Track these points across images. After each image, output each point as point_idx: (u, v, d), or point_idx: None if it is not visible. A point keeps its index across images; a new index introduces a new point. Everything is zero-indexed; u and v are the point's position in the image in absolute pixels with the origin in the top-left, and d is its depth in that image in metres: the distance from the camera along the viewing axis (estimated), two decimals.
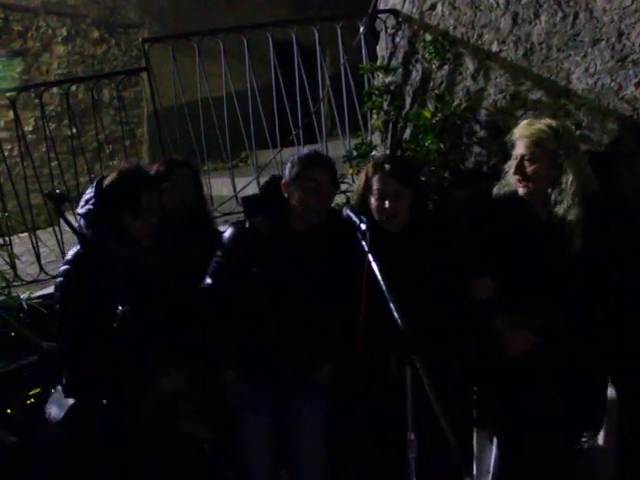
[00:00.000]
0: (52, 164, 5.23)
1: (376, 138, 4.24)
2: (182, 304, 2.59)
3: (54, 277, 3.98)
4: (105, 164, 6.38)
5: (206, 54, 4.24)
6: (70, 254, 2.49)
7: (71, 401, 2.44)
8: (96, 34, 7.30)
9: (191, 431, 2.47)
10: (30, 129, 6.97)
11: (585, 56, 3.24)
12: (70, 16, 7.07)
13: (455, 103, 3.73)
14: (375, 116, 4.06)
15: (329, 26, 4.28)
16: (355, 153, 4.05)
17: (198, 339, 2.59)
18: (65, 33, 7.14)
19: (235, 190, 4.26)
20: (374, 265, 2.11)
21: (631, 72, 3.08)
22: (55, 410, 2.49)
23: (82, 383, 2.43)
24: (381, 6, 4.22)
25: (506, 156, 3.55)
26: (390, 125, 4.11)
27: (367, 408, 2.48)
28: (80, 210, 2.49)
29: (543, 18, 3.39)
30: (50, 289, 3.95)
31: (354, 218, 2.31)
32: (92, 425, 2.40)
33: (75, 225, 2.41)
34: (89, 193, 2.47)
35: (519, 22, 3.49)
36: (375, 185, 2.59)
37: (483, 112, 3.66)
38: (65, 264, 2.46)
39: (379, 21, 4.21)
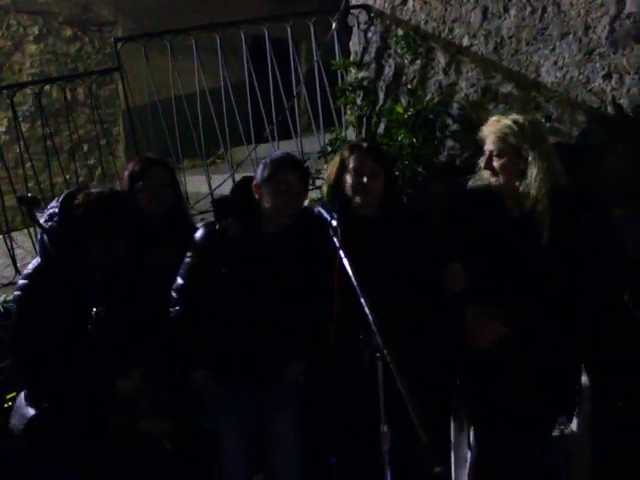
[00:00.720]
0: (26, 165, 5.22)
1: (350, 133, 4.25)
2: (153, 304, 2.59)
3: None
4: (81, 164, 6.37)
5: (179, 50, 4.20)
6: (30, 267, 2.43)
7: (31, 411, 2.42)
8: (69, 32, 7.22)
9: (150, 429, 2.47)
10: (3, 129, 6.89)
11: (554, 49, 3.27)
12: (41, 14, 6.98)
13: (427, 97, 3.77)
14: (349, 111, 4.07)
15: (303, 22, 4.28)
16: (329, 148, 4.06)
17: (166, 339, 2.59)
18: (37, 32, 7.05)
19: (210, 188, 4.25)
20: (345, 261, 2.12)
21: (598, 65, 3.12)
22: (17, 419, 2.47)
23: (41, 394, 2.42)
24: (353, 2, 4.23)
25: (479, 149, 3.62)
26: (364, 120, 4.13)
27: (341, 402, 2.50)
28: (43, 223, 2.41)
29: (512, 12, 3.42)
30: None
31: (325, 214, 2.32)
32: (53, 434, 2.39)
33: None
34: (53, 207, 2.39)
35: (489, 16, 3.52)
36: (352, 164, 2.62)
37: (455, 106, 3.70)
38: (24, 278, 2.41)
39: (351, 17, 4.22)
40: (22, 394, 2.49)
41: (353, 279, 2.06)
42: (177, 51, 4.13)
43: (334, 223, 2.25)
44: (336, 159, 2.72)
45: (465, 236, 2.65)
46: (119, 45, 3.94)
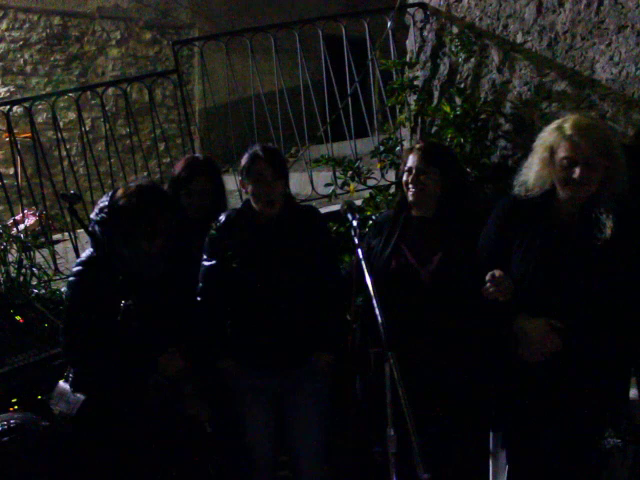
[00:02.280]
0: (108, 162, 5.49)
1: (404, 134, 4.22)
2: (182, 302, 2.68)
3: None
4: (158, 162, 6.64)
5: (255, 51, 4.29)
6: (83, 255, 2.60)
7: (80, 397, 2.54)
8: (148, 36, 7.53)
9: (193, 412, 2.56)
10: (87, 129, 7.25)
11: (609, 44, 3.13)
12: (123, 20, 7.32)
13: (482, 96, 3.68)
14: (400, 111, 4.04)
15: (375, 20, 4.28)
16: (382, 148, 4.05)
17: (196, 331, 2.68)
18: (119, 36, 7.41)
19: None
20: (363, 262, 2.13)
21: None
22: (64, 406, 2.60)
23: (90, 378, 2.55)
24: (409, 0, 4.19)
25: (529, 150, 3.51)
26: (419, 120, 4.09)
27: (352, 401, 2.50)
28: (94, 217, 2.57)
29: (567, 6, 3.29)
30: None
31: (347, 214, 2.34)
32: (104, 418, 2.51)
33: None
34: (103, 201, 2.55)
35: (543, 11, 3.40)
36: (407, 162, 2.69)
37: (508, 105, 3.59)
38: (77, 265, 2.57)
39: (408, 15, 4.18)
40: (60, 382, 2.64)
41: (368, 280, 2.06)
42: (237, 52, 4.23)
43: (355, 223, 2.26)
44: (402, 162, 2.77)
45: (514, 245, 2.55)
46: (176, 48, 4.05)
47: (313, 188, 4.32)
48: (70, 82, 7.17)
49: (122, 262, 2.49)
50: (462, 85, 3.83)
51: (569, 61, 3.29)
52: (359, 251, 2.17)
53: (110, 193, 2.59)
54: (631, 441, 2.86)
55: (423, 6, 4.07)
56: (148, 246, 2.50)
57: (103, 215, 2.54)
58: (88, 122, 7.24)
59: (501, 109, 3.61)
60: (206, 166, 3.09)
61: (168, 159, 7.76)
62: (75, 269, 2.59)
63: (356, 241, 2.21)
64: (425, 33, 4.10)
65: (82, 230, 2.68)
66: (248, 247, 2.59)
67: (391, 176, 4.17)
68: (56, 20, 7.13)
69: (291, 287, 2.55)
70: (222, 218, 2.69)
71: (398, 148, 3.95)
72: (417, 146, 2.76)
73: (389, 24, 4.15)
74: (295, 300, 2.55)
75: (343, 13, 4.63)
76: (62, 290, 3.92)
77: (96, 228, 2.55)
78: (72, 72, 7.22)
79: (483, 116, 3.63)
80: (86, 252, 2.63)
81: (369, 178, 4.02)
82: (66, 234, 4.74)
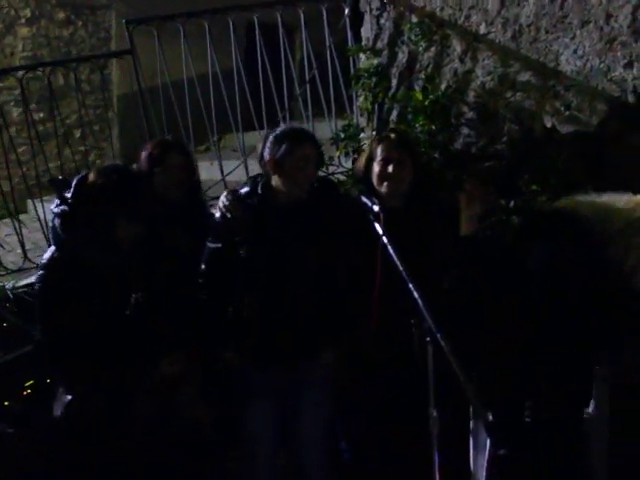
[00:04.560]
0: (19, 150, 5.12)
1: (362, 120, 4.24)
2: (182, 290, 2.58)
3: (38, 266, 3.96)
4: (75, 149, 6.27)
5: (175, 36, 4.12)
6: (45, 257, 2.41)
7: (69, 397, 2.41)
8: (62, 15, 7.07)
9: (193, 415, 2.48)
10: None
11: (574, 38, 3.29)
12: None
13: (443, 85, 3.76)
14: (362, 98, 4.06)
15: (308, 7, 4.24)
16: (342, 135, 4.05)
17: (198, 322, 2.59)
18: (29, 14, 6.90)
19: (222, 173, 4.21)
20: (390, 248, 2.13)
21: (619, 54, 3.14)
22: (58, 408, 2.47)
23: (75, 382, 2.41)
24: None
25: (493, 138, 3.65)
26: (376, 107, 4.12)
27: (384, 384, 2.49)
28: (55, 209, 2.40)
29: (531, 0, 3.42)
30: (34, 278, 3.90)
31: (365, 200, 2.32)
32: (90, 420, 2.38)
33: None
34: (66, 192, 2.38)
35: (507, 4, 3.52)
36: (379, 153, 2.65)
37: (471, 94, 3.70)
38: (41, 269, 2.39)
39: (363, 2, 4.19)
40: None
41: (399, 265, 2.07)
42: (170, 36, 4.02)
43: (376, 208, 2.25)
44: (367, 150, 2.73)
45: None
46: (131, 28, 3.85)
47: None
48: None
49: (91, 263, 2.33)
50: (422, 74, 3.90)
51: (533, 53, 3.44)
52: (384, 239, 2.16)
53: (74, 182, 2.40)
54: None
55: None
56: (128, 229, 2.36)
57: (64, 207, 2.36)
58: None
59: (464, 97, 3.71)
60: (176, 142, 3.10)
61: (84, 147, 7.42)
62: (39, 274, 2.39)
63: (379, 229, 2.20)
64: (382, 21, 4.13)
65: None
66: (264, 231, 2.51)
67: (348, 163, 4.19)
68: None
69: (306, 274, 2.50)
70: (228, 199, 2.58)
71: (362, 135, 3.97)
72: (391, 136, 2.77)
73: (346, 11, 4.14)
74: (308, 289, 2.51)
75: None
76: (9, 286, 3.66)
77: (56, 222, 2.37)
78: None
79: (447, 104, 3.71)
80: (48, 252, 2.43)
81: (331, 165, 4.02)
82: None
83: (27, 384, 3.08)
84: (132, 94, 5.40)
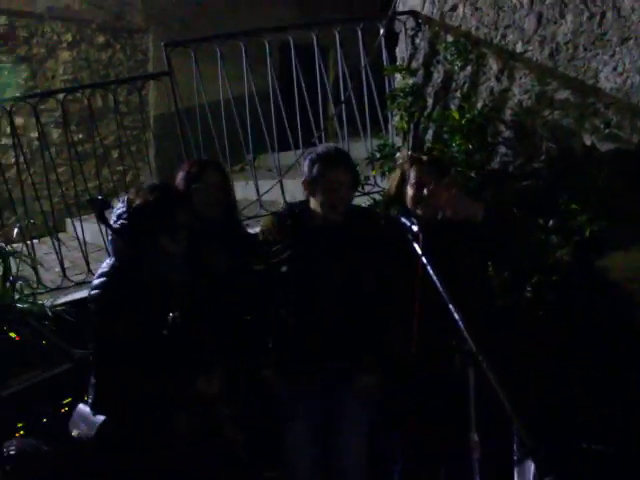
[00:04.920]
0: (59, 170, 5.23)
1: (397, 140, 4.24)
2: (221, 308, 2.60)
3: (77, 284, 4.03)
4: (112, 169, 6.39)
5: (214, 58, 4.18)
6: (105, 266, 2.46)
7: (100, 418, 2.41)
8: (101, 39, 7.24)
9: (228, 436, 2.46)
10: (36, 135, 6.90)
11: (613, 55, 3.25)
12: (75, 21, 7.02)
13: (480, 104, 3.74)
14: (398, 117, 4.06)
15: (343, 28, 4.26)
16: (378, 155, 4.05)
17: (237, 341, 2.59)
18: (70, 38, 7.08)
19: (258, 193, 4.24)
20: (429, 268, 2.10)
21: None
22: (84, 427, 2.46)
23: (113, 399, 2.41)
24: (400, 7, 4.23)
25: (531, 157, 3.61)
26: (412, 126, 4.12)
27: (425, 407, 2.46)
28: (114, 224, 2.45)
29: (569, 18, 3.40)
30: (73, 296, 3.96)
31: (404, 220, 2.30)
32: (124, 442, 2.38)
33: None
34: (120, 208, 2.46)
35: (544, 22, 3.50)
36: (412, 176, 2.62)
37: (508, 112, 3.67)
38: (100, 276, 2.43)
39: (398, 23, 4.21)
40: (80, 405, 2.48)
41: (439, 285, 2.04)
42: (211, 59, 4.08)
43: (415, 228, 2.23)
44: (397, 172, 2.73)
45: None
46: (169, 50, 3.92)
47: None
48: (18, 86, 6.79)
49: (147, 268, 2.38)
50: (458, 93, 3.89)
51: (572, 70, 3.40)
52: (424, 260, 2.14)
53: (124, 199, 2.49)
54: None
55: (414, 14, 4.11)
56: (171, 244, 2.41)
57: (122, 221, 2.44)
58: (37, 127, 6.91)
59: (501, 116, 3.69)
60: (213, 161, 3.19)
61: (121, 167, 7.55)
62: (98, 281, 2.45)
63: (418, 250, 2.18)
64: (417, 41, 4.14)
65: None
66: (304, 251, 2.52)
67: (384, 182, 4.18)
68: (2, 20, 6.76)
69: (345, 296, 2.50)
70: (269, 221, 2.61)
71: (398, 154, 3.97)
72: (424, 159, 2.76)
73: (381, 31, 4.16)
74: (348, 311, 2.50)
75: (332, 19, 4.51)
76: (48, 304, 3.71)
77: (115, 237, 2.44)
78: (20, 75, 6.85)
79: (484, 122, 3.69)
80: (106, 262, 2.50)
81: (367, 184, 4.02)
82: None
83: (65, 402, 3.10)
84: (169, 115, 5.51)
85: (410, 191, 2.64)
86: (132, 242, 2.38)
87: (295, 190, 4.50)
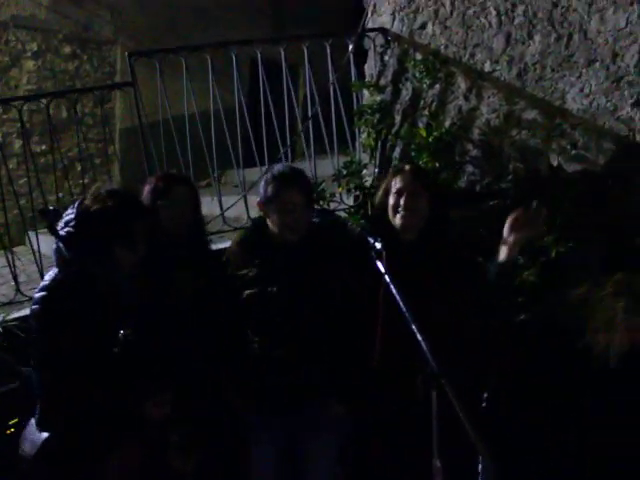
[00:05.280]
0: (20, 182, 5.08)
1: (364, 157, 4.20)
2: (177, 328, 2.49)
3: (31, 299, 3.87)
4: (75, 182, 6.24)
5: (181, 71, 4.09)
6: (47, 279, 2.32)
7: (45, 435, 2.29)
8: (67, 50, 7.11)
9: (178, 464, 2.35)
10: None
11: (580, 77, 3.26)
12: (41, 31, 6.88)
13: (448, 122, 3.72)
14: (366, 134, 4.01)
15: (311, 44, 4.21)
16: (344, 172, 4.00)
17: (195, 364, 2.49)
18: (35, 48, 6.95)
19: (222, 208, 4.15)
20: (392, 287, 2.03)
21: (626, 93, 3.10)
22: (28, 446, 2.34)
23: (59, 415, 2.29)
24: (369, 24, 4.20)
25: (499, 176, 3.59)
26: (379, 144, 4.08)
27: (389, 433, 2.38)
28: (60, 231, 2.31)
29: (537, 39, 3.40)
30: (27, 311, 3.80)
31: (368, 237, 2.23)
32: (66, 460, 2.26)
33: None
34: (69, 214, 2.32)
35: (512, 42, 3.50)
36: (394, 185, 2.56)
37: (476, 131, 3.65)
38: (42, 290, 2.29)
39: (367, 40, 4.18)
40: (32, 420, 2.35)
41: (402, 305, 1.97)
42: (176, 71, 3.99)
43: (378, 246, 2.15)
44: (383, 185, 2.67)
45: None
46: (132, 60, 3.82)
47: None
48: None
49: (97, 280, 2.26)
50: (426, 111, 3.87)
51: (539, 91, 3.40)
52: (386, 277, 2.07)
53: (75, 204, 2.35)
54: None
55: (384, 31, 4.09)
56: (127, 255, 2.29)
57: (69, 229, 2.30)
58: None
59: (469, 135, 3.67)
60: (182, 176, 3.03)
61: (87, 180, 7.39)
62: (39, 295, 2.29)
63: (381, 269, 2.10)
64: (386, 58, 4.12)
65: None
66: (263, 274, 2.44)
67: (350, 200, 4.12)
68: None
69: (311, 315, 2.41)
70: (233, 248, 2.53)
71: (365, 171, 3.92)
72: (406, 168, 2.71)
73: (350, 48, 4.13)
74: (313, 331, 2.42)
75: (301, 35, 4.44)
76: None
77: (61, 245, 2.31)
78: None
79: (451, 141, 3.67)
80: (50, 274, 2.35)
81: (332, 201, 3.96)
82: None
83: (11, 422, 2.94)
84: (134, 128, 5.40)
85: (391, 200, 2.57)
86: (79, 251, 2.24)
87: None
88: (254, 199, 4.25)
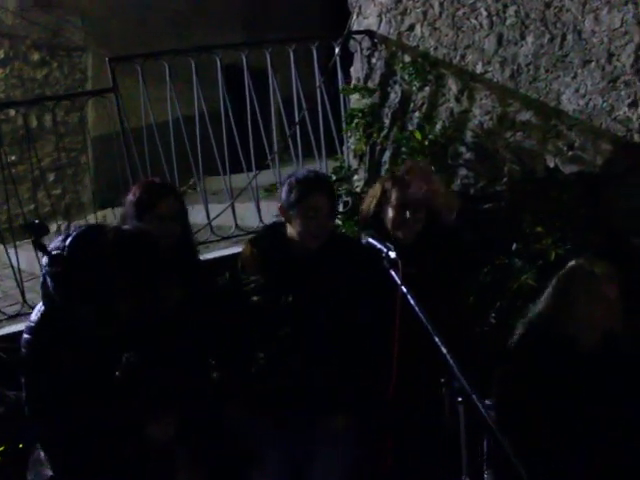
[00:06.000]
0: None
1: (352, 161, 4.12)
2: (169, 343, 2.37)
3: (11, 317, 3.70)
4: (46, 194, 6.04)
5: (153, 78, 3.95)
6: (33, 318, 2.13)
7: (49, 473, 2.14)
8: (36, 57, 6.92)
9: None
10: None
11: (575, 77, 3.22)
12: (8, 37, 6.67)
13: (439, 125, 3.66)
14: (355, 138, 3.94)
15: (280, 49, 4.11)
16: (334, 177, 3.91)
17: (196, 382, 2.38)
18: (2, 55, 6.73)
19: (209, 217, 4.02)
20: (410, 298, 1.95)
21: (623, 93, 3.07)
22: (33, 477, 2.22)
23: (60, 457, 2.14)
24: (355, 27, 4.13)
25: (493, 179, 3.54)
26: (368, 148, 4.00)
27: (407, 446, 2.29)
28: (45, 266, 2.08)
29: (530, 39, 3.36)
30: (7, 329, 3.63)
31: (379, 245, 2.14)
32: None
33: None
34: (58, 247, 2.04)
35: (504, 43, 3.46)
36: (395, 197, 2.50)
37: (469, 134, 3.60)
38: (28, 333, 2.11)
39: (354, 42, 4.11)
40: (38, 451, 2.21)
41: (423, 318, 1.88)
42: (149, 78, 3.85)
43: (392, 255, 2.06)
44: (376, 190, 2.58)
45: None
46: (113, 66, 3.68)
47: (261, 220, 4.06)
48: None
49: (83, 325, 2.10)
50: (416, 113, 3.81)
51: (533, 92, 3.36)
52: (403, 289, 1.98)
53: (64, 237, 2.07)
54: None
55: (370, 34, 4.02)
56: (122, 307, 2.12)
57: (57, 269, 2.01)
58: None
59: (462, 137, 3.61)
60: (169, 187, 2.83)
61: (59, 190, 7.17)
62: (26, 337, 2.11)
63: (397, 279, 2.02)
64: (373, 61, 4.04)
65: None
66: (278, 281, 2.33)
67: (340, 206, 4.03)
68: None
69: (318, 330, 2.31)
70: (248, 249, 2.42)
71: (356, 177, 3.84)
72: (407, 178, 2.64)
73: (337, 50, 4.05)
74: (320, 344, 2.31)
75: (287, 38, 4.33)
76: None
77: (48, 281, 2.06)
78: None
79: (444, 143, 3.61)
80: (35, 312, 2.15)
81: None
82: None
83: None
84: (108, 136, 5.23)
85: (391, 213, 2.51)
86: (69, 292, 2.01)
87: (244, 214, 4.32)
88: (238, 207, 4.19)
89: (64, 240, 2.04)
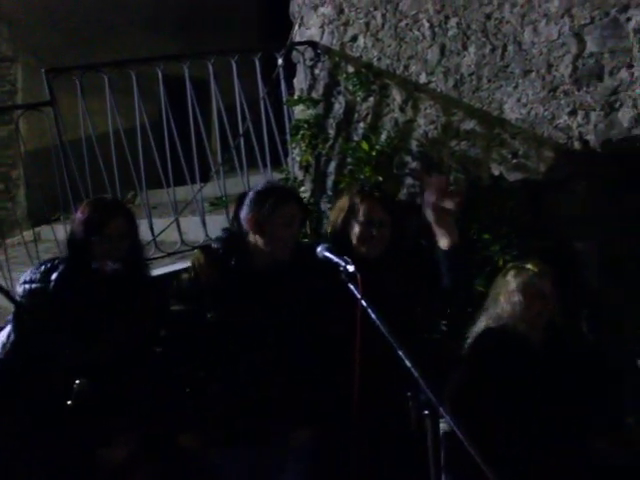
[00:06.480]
0: None
1: (297, 172, 4.09)
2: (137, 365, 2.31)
3: None
4: None
5: (88, 91, 3.81)
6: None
7: None
8: None
9: None
10: None
11: (516, 87, 3.29)
12: None
13: (384, 135, 3.68)
14: (301, 149, 3.91)
15: (221, 60, 4.06)
16: None
17: (154, 402, 2.30)
18: None
19: (153, 233, 3.90)
20: (370, 311, 1.92)
21: (563, 102, 3.15)
22: None
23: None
24: (297, 38, 4.11)
25: None
26: (314, 159, 3.99)
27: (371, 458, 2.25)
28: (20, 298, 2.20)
29: (472, 50, 3.41)
30: None
31: (336, 259, 2.11)
32: None
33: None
34: (34, 281, 2.24)
35: (447, 54, 3.50)
36: (362, 213, 2.50)
37: (414, 143, 3.63)
38: None
39: (296, 53, 4.09)
40: None
41: (384, 330, 1.86)
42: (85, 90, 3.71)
43: (351, 269, 2.04)
44: (343, 204, 2.57)
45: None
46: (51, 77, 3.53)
47: (207, 234, 3.96)
48: None
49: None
50: (361, 124, 3.82)
51: (477, 101, 3.41)
52: (363, 302, 1.96)
53: (37, 269, 2.25)
54: None
55: (313, 44, 4.01)
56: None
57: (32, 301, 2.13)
58: None
59: (407, 147, 3.63)
60: (119, 205, 2.79)
61: None
62: None
63: (356, 293, 1.99)
64: (317, 71, 4.03)
65: None
66: (238, 294, 2.26)
67: None
68: None
69: (283, 344, 2.26)
70: (202, 259, 2.34)
71: (303, 188, 3.81)
72: (376, 195, 2.65)
73: (279, 61, 4.02)
74: (282, 361, 2.26)
75: (229, 49, 4.24)
76: None
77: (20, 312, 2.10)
78: None
79: (389, 152, 3.62)
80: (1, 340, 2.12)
81: None
82: None
83: None
84: (42, 149, 5.03)
85: (358, 228, 2.52)
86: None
87: (189, 228, 4.23)
88: (185, 220, 4.10)
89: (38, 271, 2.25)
